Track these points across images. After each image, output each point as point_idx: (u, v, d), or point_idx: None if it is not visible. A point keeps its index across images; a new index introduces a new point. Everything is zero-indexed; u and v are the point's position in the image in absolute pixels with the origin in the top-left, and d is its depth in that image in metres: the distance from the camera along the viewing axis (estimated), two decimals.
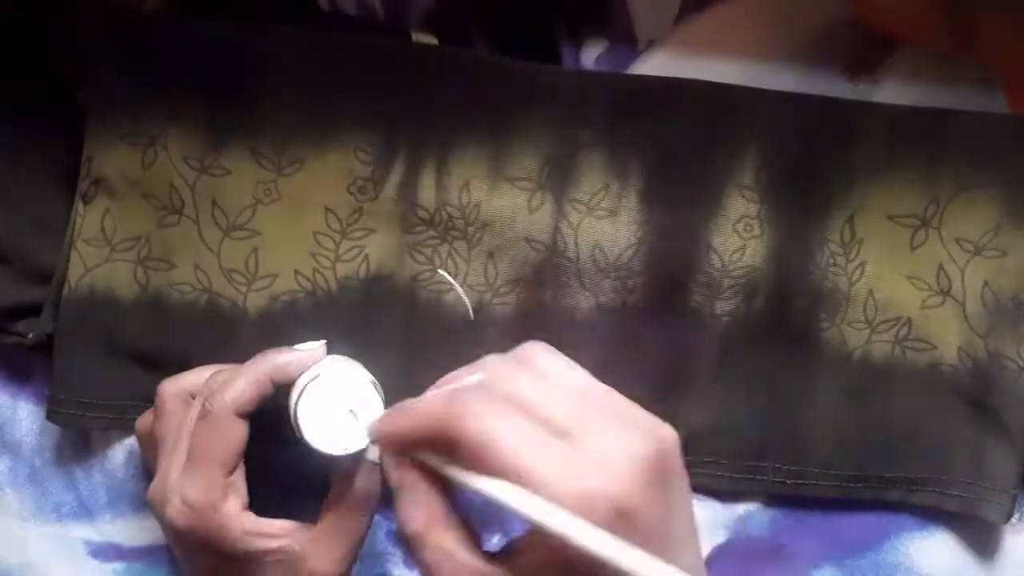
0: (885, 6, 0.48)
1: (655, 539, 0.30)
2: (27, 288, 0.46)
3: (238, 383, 0.40)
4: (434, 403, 0.33)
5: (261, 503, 0.40)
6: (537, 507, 0.29)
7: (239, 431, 0.40)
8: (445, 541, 0.32)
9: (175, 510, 0.39)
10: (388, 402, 0.39)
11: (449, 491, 0.33)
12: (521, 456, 0.29)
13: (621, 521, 0.29)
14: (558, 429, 0.31)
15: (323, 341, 0.41)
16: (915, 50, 0.48)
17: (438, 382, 0.36)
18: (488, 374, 0.33)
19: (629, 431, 0.31)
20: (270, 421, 0.41)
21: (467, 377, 0.34)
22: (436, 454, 0.32)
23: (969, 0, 0.47)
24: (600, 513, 0.29)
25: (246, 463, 0.40)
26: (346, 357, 0.42)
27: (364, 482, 0.40)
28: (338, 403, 0.38)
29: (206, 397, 0.40)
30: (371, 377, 0.40)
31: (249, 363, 0.41)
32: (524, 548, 0.32)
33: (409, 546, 0.33)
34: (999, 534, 0.49)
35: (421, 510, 0.33)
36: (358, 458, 0.39)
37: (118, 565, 0.48)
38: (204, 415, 0.39)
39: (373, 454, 0.38)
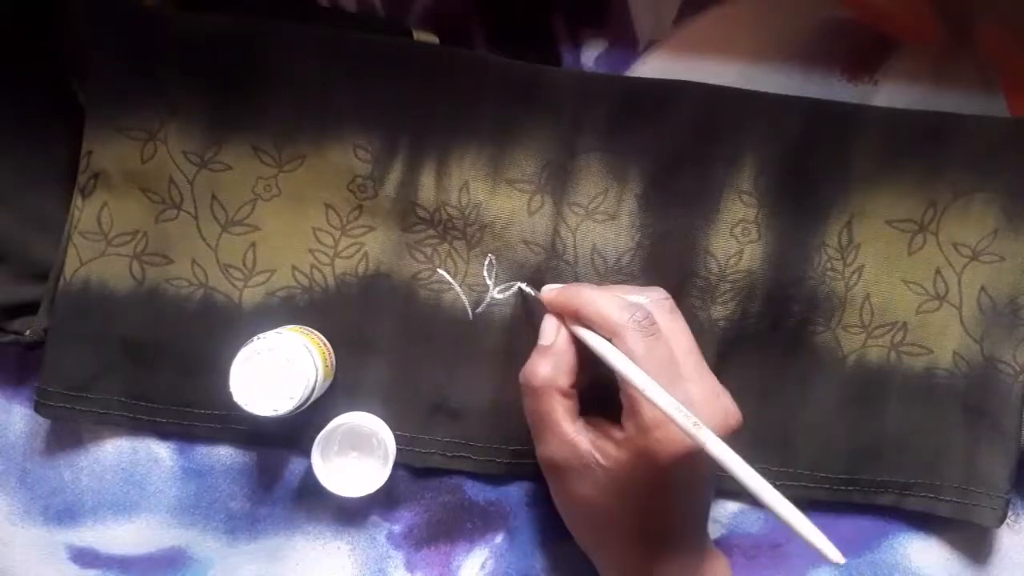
0: (885, 7, 0.48)
1: None
2: (24, 286, 0.46)
3: None
4: (610, 311, 0.40)
5: None
6: (641, 376, 0.38)
7: None
8: (554, 401, 0.41)
9: None
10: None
11: (579, 367, 0.41)
12: (649, 383, 0.37)
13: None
14: (680, 370, 0.40)
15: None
16: (914, 51, 0.48)
17: (610, 288, 0.44)
18: (653, 303, 0.42)
19: (726, 404, 0.40)
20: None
21: (633, 296, 0.42)
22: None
23: (968, 2, 0.47)
24: None
25: None
26: (303, 327, 0.45)
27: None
28: (271, 368, 0.41)
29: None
30: (317, 342, 0.44)
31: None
32: (611, 435, 0.40)
33: (525, 393, 0.42)
34: (996, 535, 0.49)
35: (547, 369, 0.41)
36: (285, 419, 0.42)
37: (94, 572, 0.48)
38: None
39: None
